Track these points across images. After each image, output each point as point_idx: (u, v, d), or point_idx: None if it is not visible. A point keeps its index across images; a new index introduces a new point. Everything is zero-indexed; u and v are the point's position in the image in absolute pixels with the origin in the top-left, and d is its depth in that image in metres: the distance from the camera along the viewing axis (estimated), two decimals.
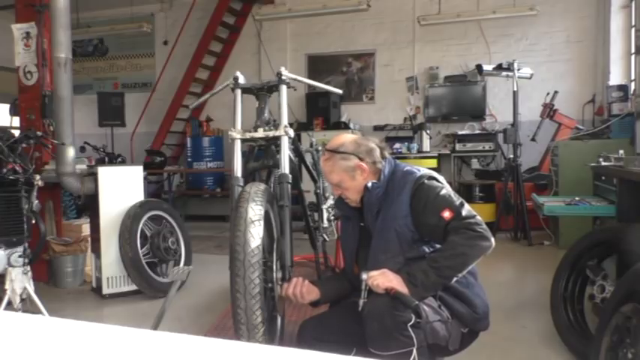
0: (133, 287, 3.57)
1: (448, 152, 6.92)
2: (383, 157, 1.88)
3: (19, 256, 2.75)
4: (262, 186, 1.95)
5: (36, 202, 2.84)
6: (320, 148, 3.93)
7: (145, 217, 3.59)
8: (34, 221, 2.89)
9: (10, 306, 2.71)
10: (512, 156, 5.42)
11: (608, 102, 5.72)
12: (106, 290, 3.57)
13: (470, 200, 5.71)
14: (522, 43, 6.96)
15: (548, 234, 5.11)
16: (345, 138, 1.91)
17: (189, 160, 7.67)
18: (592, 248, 2.52)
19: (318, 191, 3.62)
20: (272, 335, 1.97)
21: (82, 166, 4.00)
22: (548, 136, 5.95)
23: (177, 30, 8.14)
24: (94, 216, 3.73)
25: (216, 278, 3.81)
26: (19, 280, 2.74)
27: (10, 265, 2.72)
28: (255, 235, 1.74)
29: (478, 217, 1.70)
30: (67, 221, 4.36)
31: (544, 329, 2.69)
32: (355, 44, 7.67)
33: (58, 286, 3.84)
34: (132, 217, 3.49)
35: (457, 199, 1.74)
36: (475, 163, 6.85)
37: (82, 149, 5.37)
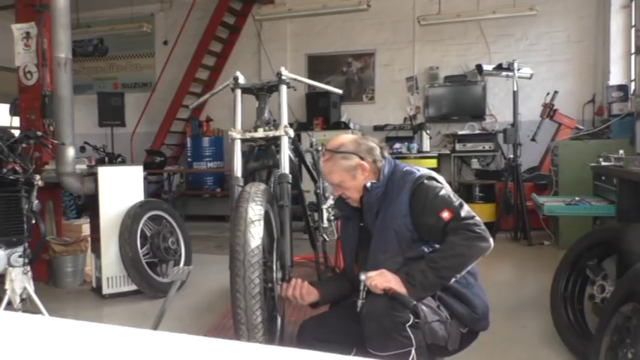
0: (133, 287, 3.57)
1: (448, 152, 6.92)
2: (383, 156, 1.88)
3: (19, 256, 2.75)
4: (262, 186, 1.95)
5: (36, 202, 2.84)
6: (320, 148, 3.93)
7: (145, 217, 3.59)
8: (34, 221, 2.89)
9: (10, 306, 2.71)
10: (512, 156, 5.42)
11: (608, 102, 5.72)
12: (106, 290, 3.57)
13: (470, 200, 5.71)
14: (522, 43, 6.96)
15: (548, 234, 5.11)
16: (345, 138, 1.91)
17: (189, 160, 7.67)
18: (592, 248, 2.52)
19: (318, 191, 3.62)
20: (272, 335, 1.97)
21: (82, 166, 4.00)
22: (548, 136, 5.95)
23: (177, 30, 8.14)
24: (94, 216, 3.73)
25: (216, 278, 3.81)
26: (19, 280, 2.74)
27: (10, 265, 2.72)
28: (255, 235, 1.74)
29: (477, 218, 1.70)
30: (67, 221, 4.36)
31: (544, 329, 2.69)
32: (355, 44, 7.67)
33: (58, 286, 3.84)
34: (132, 217, 3.49)
35: (456, 200, 1.73)
36: (475, 163, 6.85)
37: (82, 149, 5.37)
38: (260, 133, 2.28)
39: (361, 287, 1.70)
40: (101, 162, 5.74)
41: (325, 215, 3.66)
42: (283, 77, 2.31)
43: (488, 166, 6.89)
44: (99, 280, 3.63)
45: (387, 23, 7.49)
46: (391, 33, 7.50)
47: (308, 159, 3.60)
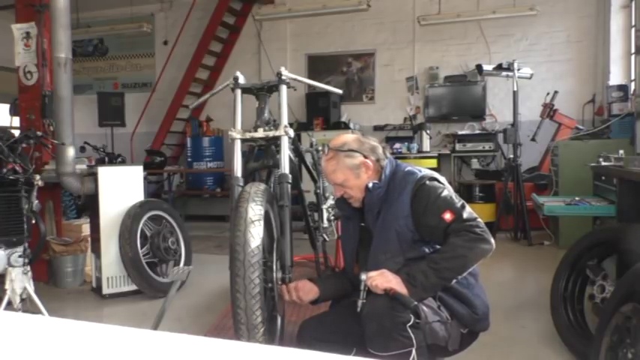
0: (133, 287, 3.57)
1: (448, 152, 6.92)
2: (385, 155, 1.88)
3: (19, 256, 2.75)
4: (262, 186, 1.95)
5: (36, 202, 2.84)
6: (320, 148, 3.93)
7: (145, 217, 3.59)
8: (34, 221, 2.89)
9: (10, 306, 2.71)
10: (512, 156, 5.42)
11: (608, 102, 5.72)
12: (106, 290, 3.57)
13: (470, 200, 5.71)
14: (522, 43, 6.96)
15: (548, 234, 5.11)
16: (348, 137, 1.91)
17: (189, 160, 7.67)
18: (592, 248, 2.52)
19: (318, 191, 3.62)
20: (272, 335, 1.97)
21: (82, 166, 3.99)
22: (548, 136, 5.95)
23: (177, 30, 8.14)
24: (94, 216, 3.73)
25: (216, 278, 3.81)
26: (19, 280, 2.74)
27: (10, 265, 2.72)
28: (255, 235, 1.74)
29: (479, 220, 1.70)
30: (67, 221, 4.36)
31: (544, 329, 2.69)
32: (355, 44, 7.67)
33: (58, 286, 3.84)
34: (132, 217, 3.49)
35: (458, 201, 1.73)
36: (475, 163, 6.85)
37: (82, 149, 5.37)
38: (260, 133, 2.28)
39: (362, 287, 1.69)
40: (101, 162, 5.73)
41: (325, 215, 3.66)
42: (283, 77, 2.31)
43: (488, 166, 6.89)
44: (99, 280, 3.63)
45: (387, 23, 7.49)
46: (391, 33, 7.50)
47: (308, 159, 3.60)
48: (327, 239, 3.64)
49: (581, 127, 5.75)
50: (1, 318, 0.76)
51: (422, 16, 6.86)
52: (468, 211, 1.71)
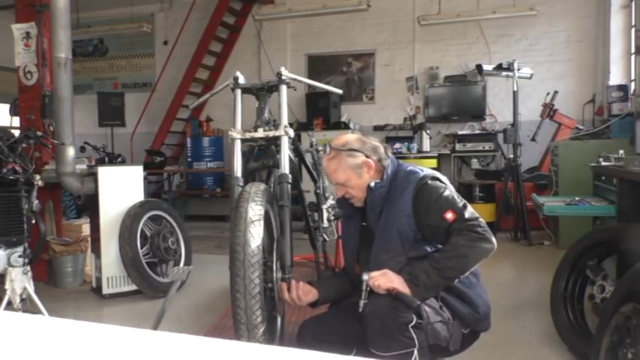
0: (133, 287, 3.57)
1: (448, 152, 6.92)
2: (387, 155, 1.88)
3: (19, 256, 2.75)
4: (262, 186, 1.95)
5: (36, 202, 2.84)
6: (320, 148, 3.92)
7: (145, 217, 3.59)
8: (34, 221, 2.89)
9: (10, 306, 2.71)
10: (512, 156, 5.42)
11: (608, 102, 5.72)
12: (106, 290, 3.57)
13: (470, 200, 5.71)
14: (522, 43, 6.96)
15: (548, 234, 5.11)
16: (350, 136, 1.90)
17: (189, 160, 7.67)
18: (592, 248, 2.52)
19: (318, 191, 3.61)
20: (272, 335, 1.97)
21: (82, 166, 3.99)
22: (548, 136, 5.95)
23: (177, 30, 8.14)
24: (94, 216, 3.73)
25: (216, 278, 3.81)
26: (19, 280, 2.74)
27: (10, 265, 2.73)
28: (255, 235, 1.74)
29: (481, 220, 1.70)
30: (67, 221, 4.36)
31: (544, 329, 2.69)
32: (355, 44, 7.67)
33: (58, 286, 3.84)
34: (132, 217, 3.49)
35: (460, 201, 1.73)
36: (475, 163, 6.84)
37: (82, 149, 5.37)
38: (260, 133, 2.28)
39: (363, 287, 1.69)
40: (101, 162, 5.73)
41: (325, 215, 3.65)
42: (283, 77, 2.31)
43: (488, 166, 6.89)
44: (99, 280, 3.63)
45: (387, 23, 7.49)
46: (391, 33, 7.50)
47: (308, 159, 3.60)
48: (327, 239, 3.63)
49: (581, 127, 5.75)
50: (1, 318, 0.76)
51: (422, 16, 6.86)
52: (470, 211, 1.71)
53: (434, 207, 1.71)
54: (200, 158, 7.54)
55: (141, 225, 3.53)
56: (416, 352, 1.59)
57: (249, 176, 2.41)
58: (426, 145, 6.87)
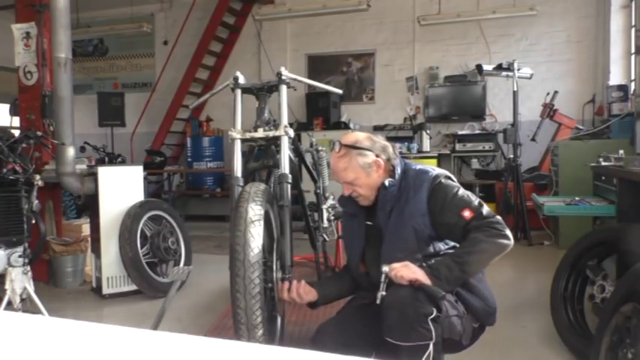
0: (133, 287, 3.57)
1: (448, 152, 6.92)
2: (395, 155, 1.88)
3: (19, 256, 2.75)
4: (262, 186, 1.95)
5: (36, 202, 2.84)
6: (320, 148, 3.93)
7: (145, 217, 3.59)
8: (34, 221, 2.89)
9: (10, 306, 2.71)
10: (512, 156, 5.41)
11: (608, 102, 5.72)
12: (106, 290, 3.57)
13: None
14: (522, 43, 6.96)
15: (548, 234, 5.11)
16: (359, 135, 1.89)
17: (189, 160, 7.67)
18: (592, 248, 2.52)
19: (318, 191, 3.61)
20: (272, 335, 1.97)
21: (82, 166, 3.99)
22: (548, 136, 5.95)
23: (177, 30, 8.14)
24: (94, 216, 3.73)
25: (216, 278, 3.81)
26: (19, 280, 2.74)
27: (10, 265, 2.73)
28: (255, 235, 1.74)
29: (498, 217, 1.73)
30: (67, 221, 4.36)
31: (544, 329, 2.69)
32: (355, 44, 7.67)
33: (58, 286, 3.84)
34: (132, 217, 3.49)
35: (475, 199, 1.76)
36: (475, 163, 6.85)
37: (82, 149, 5.36)
38: (260, 133, 2.28)
39: (382, 279, 1.68)
40: (101, 162, 5.74)
41: (325, 215, 3.66)
42: (283, 77, 2.31)
43: (488, 166, 6.89)
44: (99, 280, 3.63)
45: (387, 23, 7.49)
46: (391, 33, 7.50)
47: (308, 159, 3.60)
48: (327, 239, 3.64)
49: (581, 127, 5.75)
50: (1, 318, 0.76)
51: (422, 16, 6.86)
52: (487, 209, 1.74)
53: (450, 205, 1.73)
54: (200, 158, 7.54)
55: (141, 225, 3.53)
56: (431, 346, 1.58)
57: (249, 176, 2.41)
58: (426, 145, 6.87)
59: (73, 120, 3.65)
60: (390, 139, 6.99)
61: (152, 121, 8.14)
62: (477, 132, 6.94)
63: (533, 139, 5.78)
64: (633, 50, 5.72)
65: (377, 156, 1.83)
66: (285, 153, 2.23)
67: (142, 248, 3.50)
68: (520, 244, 5.12)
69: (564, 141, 5.39)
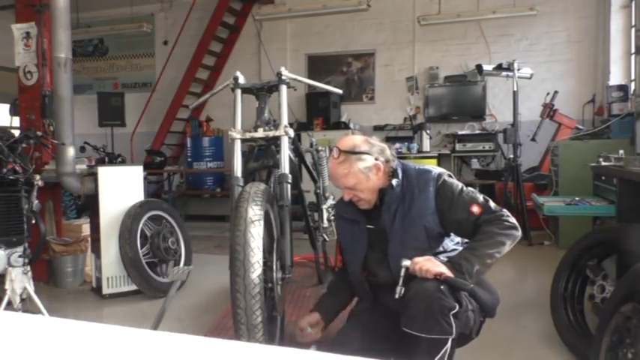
0: (133, 287, 3.57)
1: (448, 152, 6.92)
2: (393, 156, 1.89)
3: (19, 256, 2.75)
4: (262, 186, 1.95)
5: (36, 202, 2.84)
6: (320, 148, 3.93)
7: (145, 217, 3.59)
8: (34, 221, 2.89)
9: (10, 306, 2.71)
10: (512, 156, 5.41)
11: (608, 102, 5.72)
12: (106, 290, 3.57)
13: None
14: (522, 43, 6.96)
15: (548, 234, 5.11)
16: (357, 138, 1.88)
17: (189, 160, 7.67)
18: (592, 248, 2.52)
19: (318, 191, 3.61)
20: (272, 335, 1.97)
21: (82, 166, 3.99)
22: (548, 136, 5.95)
23: (177, 30, 8.14)
24: (94, 216, 3.73)
25: (216, 278, 3.81)
26: (19, 280, 2.74)
27: (10, 265, 2.73)
28: (255, 235, 1.74)
29: (505, 210, 1.77)
30: (67, 221, 4.36)
31: (544, 329, 2.69)
32: (355, 44, 7.67)
33: (58, 286, 3.84)
34: (132, 217, 3.49)
35: (480, 195, 1.80)
36: (475, 163, 6.85)
37: (82, 149, 5.36)
38: (260, 133, 2.28)
39: (402, 274, 1.68)
40: (101, 162, 5.73)
41: (325, 215, 3.65)
42: (283, 77, 2.32)
43: (488, 166, 6.89)
44: (99, 280, 3.63)
45: (387, 23, 7.49)
46: (391, 33, 7.50)
47: (308, 159, 3.60)
48: (327, 239, 3.64)
49: (581, 127, 5.75)
50: (1, 318, 0.76)
51: (422, 16, 6.86)
52: (493, 204, 1.78)
53: (458, 202, 1.77)
54: (200, 158, 7.54)
55: (141, 225, 3.53)
56: (450, 341, 1.59)
57: (249, 176, 2.41)
58: (426, 145, 6.87)
59: (73, 120, 3.65)
60: (390, 139, 6.94)
61: (152, 121, 8.14)
62: (477, 132, 6.94)
63: (533, 139, 5.78)
64: (633, 50, 5.72)
65: (376, 159, 1.83)
66: (285, 153, 2.23)
67: (141, 248, 3.49)
68: (520, 244, 5.11)
69: (564, 141, 5.39)
